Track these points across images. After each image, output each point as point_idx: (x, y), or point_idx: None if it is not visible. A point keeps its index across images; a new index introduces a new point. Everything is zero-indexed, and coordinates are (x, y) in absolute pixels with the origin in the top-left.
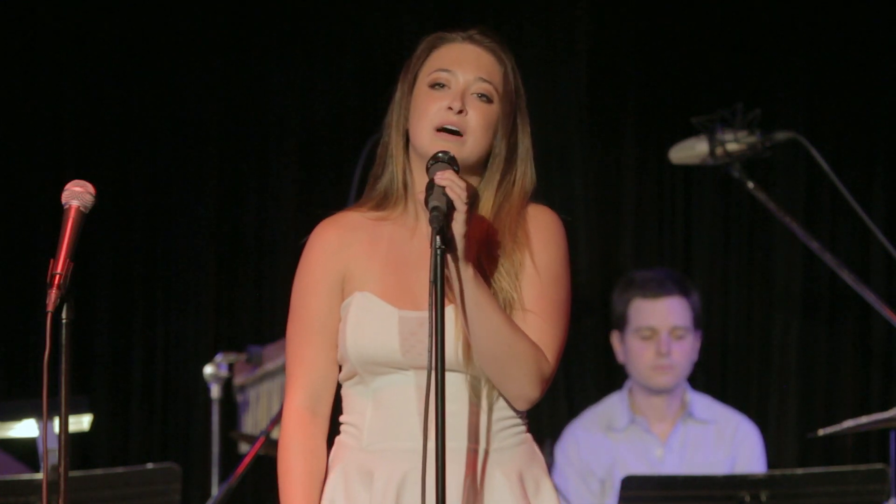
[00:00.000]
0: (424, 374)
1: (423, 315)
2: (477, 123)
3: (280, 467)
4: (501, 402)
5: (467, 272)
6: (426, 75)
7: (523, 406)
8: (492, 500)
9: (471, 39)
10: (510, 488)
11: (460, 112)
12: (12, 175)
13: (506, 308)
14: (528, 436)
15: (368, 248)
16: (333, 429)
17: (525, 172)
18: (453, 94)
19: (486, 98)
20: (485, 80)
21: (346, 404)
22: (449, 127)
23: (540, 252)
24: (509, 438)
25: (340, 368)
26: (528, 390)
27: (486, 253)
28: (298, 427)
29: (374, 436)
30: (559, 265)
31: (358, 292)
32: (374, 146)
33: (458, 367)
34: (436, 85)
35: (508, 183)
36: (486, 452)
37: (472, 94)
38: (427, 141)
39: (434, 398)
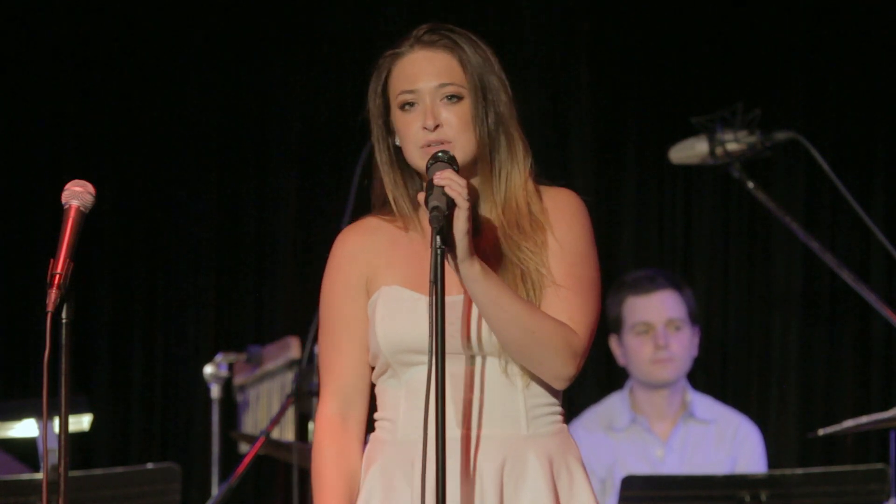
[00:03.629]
0: (456, 360)
1: (451, 300)
2: (456, 127)
3: (313, 473)
4: (536, 388)
5: (473, 269)
6: (394, 97)
7: (562, 385)
8: (525, 488)
9: (420, 43)
10: (543, 475)
11: (436, 127)
12: (12, 175)
13: (535, 287)
14: (564, 426)
15: (390, 247)
16: (371, 429)
17: (515, 142)
18: (423, 112)
19: (455, 98)
20: (446, 84)
21: (380, 400)
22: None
23: (564, 231)
24: (545, 427)
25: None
26: (561, 370)
27: (506, 237)
28: (329, 433)
29: (409, 426)
30: (583, 242)
31: (384, 287)
32: (371, 151)
33: (492, 352)
34: (405, 105)
35: (505, 162)
36: (522, 439)
37: (441, 99)
38: (419, 159)
39: (434, 397)
